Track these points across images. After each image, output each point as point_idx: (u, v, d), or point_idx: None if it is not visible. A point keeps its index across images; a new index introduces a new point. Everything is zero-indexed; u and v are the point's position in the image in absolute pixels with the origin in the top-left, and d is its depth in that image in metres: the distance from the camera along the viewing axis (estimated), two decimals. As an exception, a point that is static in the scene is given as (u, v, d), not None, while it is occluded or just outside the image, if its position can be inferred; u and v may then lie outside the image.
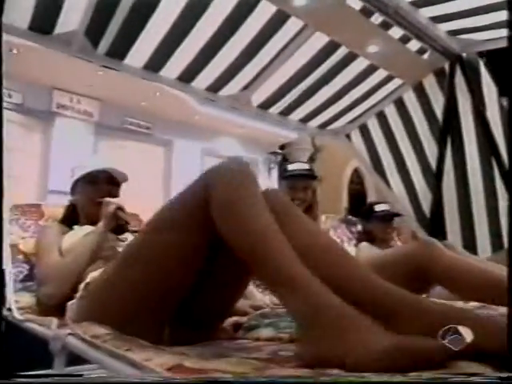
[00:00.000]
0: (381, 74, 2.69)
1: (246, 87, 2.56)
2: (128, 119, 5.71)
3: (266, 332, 1.01)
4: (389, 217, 2.31)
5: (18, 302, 1.24)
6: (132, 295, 0.92)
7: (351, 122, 3.09)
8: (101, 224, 1.32)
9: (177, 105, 5.20)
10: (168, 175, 6.09)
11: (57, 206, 1.67)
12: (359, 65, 2.56)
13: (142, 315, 0.92)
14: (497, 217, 2.41)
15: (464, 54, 2.58)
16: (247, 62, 2.38)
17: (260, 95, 2.67)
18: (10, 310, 1.23)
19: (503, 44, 2.41)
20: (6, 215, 1.33)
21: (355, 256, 2.19)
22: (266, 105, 2.76)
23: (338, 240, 2.31)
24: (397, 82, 2.81)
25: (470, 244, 2.52)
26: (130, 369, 0.58)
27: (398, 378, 0.56)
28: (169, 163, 6.14)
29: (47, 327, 0.97)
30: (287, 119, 2.94)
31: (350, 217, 2.63)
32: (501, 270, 1.35)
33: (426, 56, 2.64)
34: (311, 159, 9.84)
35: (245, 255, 0.81)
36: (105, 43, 2.07)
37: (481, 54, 2.54)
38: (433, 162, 2.73)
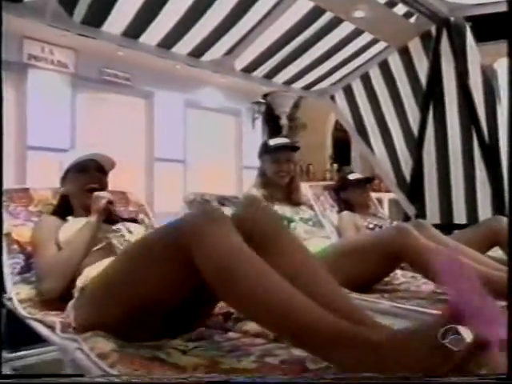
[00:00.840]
0: (366, 37, 2.64)
1: (229, 52, 2.49)
2: (106, 70, 5.48)
3: (252, 327, 1.08)
4: (362, 183, 2.40)
5: (19, 294, 1.29)
6: (125, 305, 0.97)
7: (335, 83, 3.06)
8: (93, 217, 1.35)
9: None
10: (150, 128, 5.98)
11: (44, 189, 1.67)
12: (345, 29, 2.50)
13: (136, 321, 0.97)
14: (473, 184, 2.50)
15: (452, 18, 2.54)
16: (231, 26, 2.30)
17: (244, 59, 2.60)
18: (10, 299, 1.29)
19: (491, 9, 2.38)
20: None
21: (338, 224, 2.28)
22: (249, 68, 2.71)
23: (322, 208, 2.38)
24: (382, 44, 2.76)
25: (446, 210, 2.64)
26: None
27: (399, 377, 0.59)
28: (150, 115, 6.01)
29: (52, 330, 1.03)
30: (271, 82, 2.90)
31: (331, 184, 2.69)
32: (469, 254, 1.45)
33: (412, 19, 2.59)
34: (295, 106, 9.74)
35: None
36: (80, 10, 1.96)
37: (468, 19, 2.50)
38: (415, 126, 2.76)
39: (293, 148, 2.17)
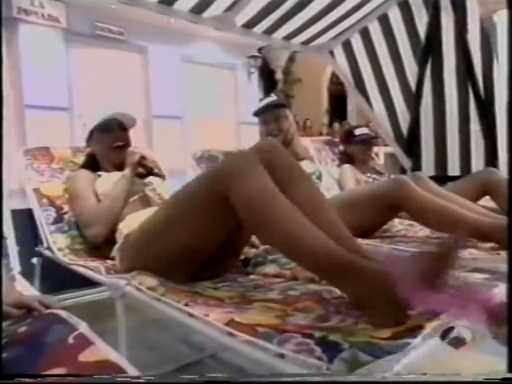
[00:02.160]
0: (367, -9, 2.64)
1: (229, 8, 2.49)
2: (98, 24, 5.35)
3: (271, 268, 1.21)
4: (368, 140, 2.48)
5: (56, 243, 1.41)
6: (166, 251, 1.08)
7: (334, 38, 3.07)
8: (127, 171, 1.47)
9: (149, 7, 4.88)
10: (146, 84, 5.92)
11: (63, 148, 1.76)
12: (346, -17, 2.50)
13: (175, 266, 1.10)
14: (467, 138, 2.60)
15: (452, -29, 2.53)
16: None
17: (244, 15, 2.60)
18: (48, 248, 1.41)
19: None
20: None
21: (339, 177, 2.39)
22: (250, 24, 2.71)
23: (323, 162, 2.48)
24: (382, -3, 2.76)
25: (441, 163, 2.75)
26: (191, 320, 0.77)
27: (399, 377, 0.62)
28: (146, 70, 5.93)
29: (98, 273, 1.15)
30: (271, 37, 2.91)
31: (332, 138, 2.78)
32: (461, 202, 1.58)
33: (413, -28, 2.58)
34: (290, 59, 9.60)
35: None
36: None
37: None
38: (413, 81, 2.82)
39: (278, 105, 2.19)
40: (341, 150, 2.52)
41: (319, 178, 2.13)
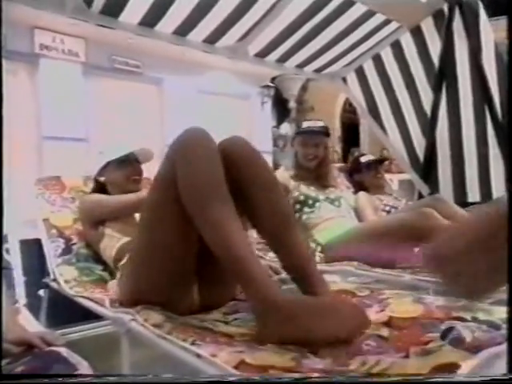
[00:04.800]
0: (378, 18, 2.65)
1: (242, 38, 2.52)
2: (116, 58, 5.51)
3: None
4: (374, 165, 2.45)
5: (63, 275, 1.37)
6: (154, 268, 1.05)
7: (347, 65, 3.07)
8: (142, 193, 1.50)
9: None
10: (162, 114, 6.03)
11: (75, 177, 1.76)
12: (357, 10, 2.51)
13: (168, 283, 1.05)
14: (487, 163, 2.53)
15: (464, -4, 2.53)
16: (244, 12, 2.32)
17: (257, 44, 2.63)
18: (55, 280, 1.38)
19: (504, -14, 2.37)
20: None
21: (356, 204, 2.33)
22: (263, 53, 2.73)
23: (338, 189, 2.43)
24: (394, 24, 2.76)
25: (460, 188, 2.67)
26: (197, 361, 0.72)
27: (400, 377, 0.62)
28: (161, 102, 6.04)
29: (101, 305, 1.11)
30: (284, 66, 2.93)
31: (346, 165, 2.74)
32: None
33: (424, -2, 2.59)
34: (303, 88, 9.71)
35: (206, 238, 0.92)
36: (98, 1, 2.01)
37: (481, -2, 2.49)
38: (428, 107, 2.78)
39: (322, 132, 2.20)
40: (352, 180, 2.50)
41: (339, 204, 2.07)
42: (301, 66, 2.99)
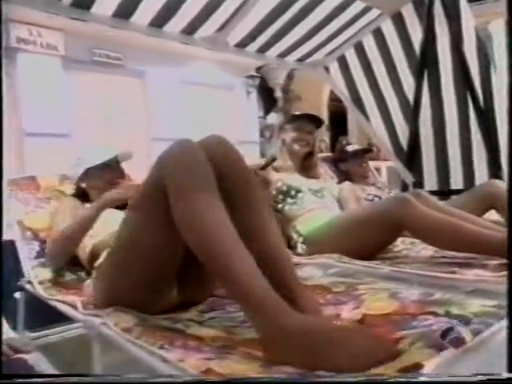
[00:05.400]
0: (358, 5, 2.61)
1: (221, 28, 2.47)
2: (96, 51, 5.41)
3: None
4: (360, 154, 2.44)
5: (37, 277, 1.34)
6: (135, 274, 1.02)
7: (329, 53, 3.04)
8: (98, 203, 1.41)
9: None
10: (145, 107, 5.94)
11: (50, 176, 1.71)
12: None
13: (147, 285, 1.03)
14: (469, 150, 2.54)
15: (444, -19, 2.51)
16: (221, 2, 2.28)
17: (237, 34, 2.58)
18: (30, 282, 1.35)
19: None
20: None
21: (339, 195, 2.32)
22: (243, 43, 2.69)
23: (321, 179, 2.41)
24: (375, 12, 2.73)
25: (444, 176, 2.68)
26: (164, 366, 0.70)
27: (401, 378, 0.60)
28: (145, 94, 5.95)
29: (74, 308, 1.08)
30: (265, 56, 2.89)
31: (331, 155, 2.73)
32: (466, 217, 1.50)
33: (404, -16, 2.56)
34: (289, 77, 9.64)
35: (198, 252, 0.86)
36: (69, -7, 1.95)
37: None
38: (410, 94, 2.77)
39: (317, 121, 2.17)
40: (337, 169, 2.48)
41: (322, 196, 2.05)
42: (282, 55, 2.94)
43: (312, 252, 1.66)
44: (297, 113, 2.16)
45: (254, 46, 2.75)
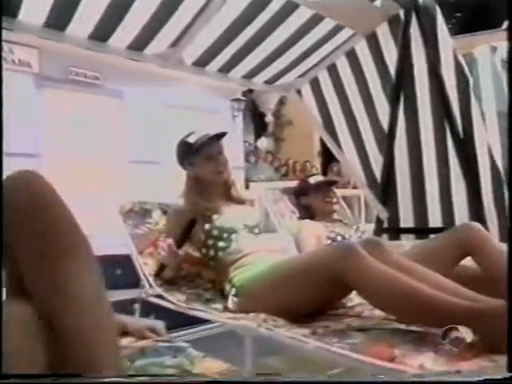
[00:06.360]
0: (329, 24, 2.40)
1: (174, 43, 2.24)
2: (73, 69, 5.21)
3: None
4: (325, 187, 2.16)
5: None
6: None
7: (301, 76, 2.82)
8: None
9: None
10: (124, 129, 5.70)
11: None
12: (302, 15, 2.26)
13: None
14: (448, 184, 2.27)
15: (420, 0, 2.30)
16: (170, 14, 2.05)
17: (193, 52, 2.36)
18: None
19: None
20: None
21: (296, 234, 2.02)
22: (201, 62, 2.46)
23: (279, 213, 2.13)
24: (348, 31, 2.52)
25: (421, 211, 2.40)
26: None
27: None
28: (123, 116, 5.72)
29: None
30: (227, 76, 2.65)
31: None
32: (430, 278, 1.21)
33: (377, 2, 2.34)
34: (280, 103, 9.49)
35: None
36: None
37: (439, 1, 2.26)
38: (385, 122, 2.52)
39: (218, 136, 1.82)
40: (298, 204, 2.19)
41: (264, 231, 1.75)
42: (247, 76, 2.72)
43: (243, 308, 1.36)
44: (193, 139, 1.77)
45: (214, 66, 2.52)
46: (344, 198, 3.75)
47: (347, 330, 1.15)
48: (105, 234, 2.33)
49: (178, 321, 1.38)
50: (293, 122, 9.42)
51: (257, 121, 9.45)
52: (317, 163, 9.59)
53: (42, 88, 5.09)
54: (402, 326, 1.14)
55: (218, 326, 1.24)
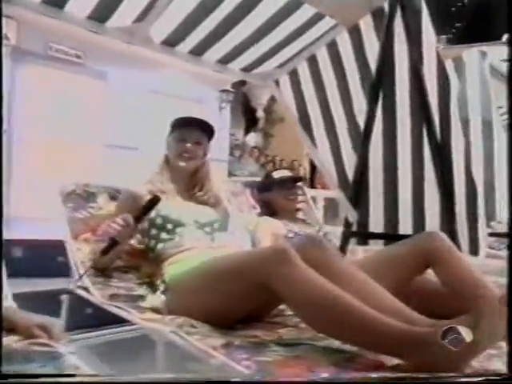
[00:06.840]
0: (308, 11, 2.26)
1: (139, 19, 2.08)
2: (53, 45, 5.01)
3: None
4: (289, 183, 2.01)
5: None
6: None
7: (280, 66, 2.67)
8: None
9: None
10: (105, 112, 5.50)
11: None
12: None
13: None
14: (421, 191, 2.14)
15: (406, -8, 2.16)
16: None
17: (162, 30, 2.20)
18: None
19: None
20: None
21: (253, 232, 1.88)
22: (170, 41, 2.30)
23: (238, 209, 1.99)
24: (330, 21, 2.38)
25: (391, 218, 2.28)
26: None
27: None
28: (105, 98, 5.52)
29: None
30: (201, 59, 2.50)
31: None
32: (369, 295, 1.06)
33: (361, -9, 2.21)
34: (273, 99, 9.33)
35: None
36: None
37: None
38: (362, 120, 2.38)
39: (205, 125, 1.69)
40: (260, 199, 2.04)
41: (215, 231, 1.59)
42: (222, 61, 2.56)
43: (171, 307, 1.21)
44: (179, 117, 1.69)
45: (184, 47, 2.36)
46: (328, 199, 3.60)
47: (272, 342, 1.01)
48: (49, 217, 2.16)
49: (101, 319, 1.23)
50: (284, 118, 9.27)
51: (248, 115, 9.30)
52: (305, 162, 9.46)
53: (19, 62, 4.87)
54: (337, 344, 1.00)
55: (136, 329, 1.09)
